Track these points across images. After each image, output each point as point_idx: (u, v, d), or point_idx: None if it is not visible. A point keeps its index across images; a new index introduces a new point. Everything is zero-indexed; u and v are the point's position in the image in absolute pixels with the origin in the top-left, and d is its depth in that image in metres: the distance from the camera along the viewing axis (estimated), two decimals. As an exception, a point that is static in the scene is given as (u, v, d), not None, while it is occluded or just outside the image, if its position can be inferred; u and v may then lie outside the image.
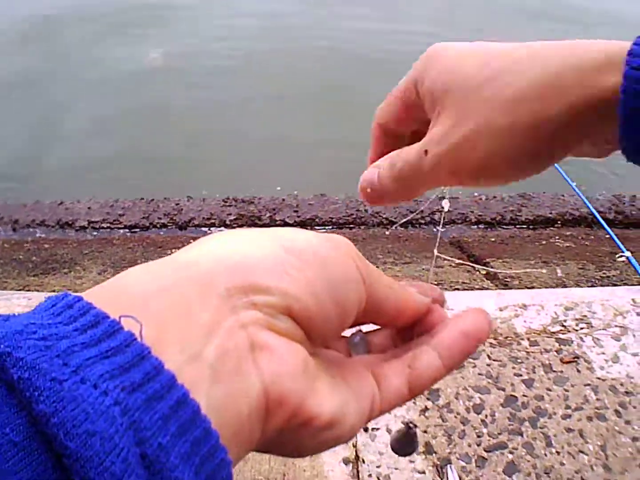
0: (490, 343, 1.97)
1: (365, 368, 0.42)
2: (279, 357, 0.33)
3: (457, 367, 0.44)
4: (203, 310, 0.31)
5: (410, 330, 0.45)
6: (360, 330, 0.47)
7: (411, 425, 0.53)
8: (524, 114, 0.45)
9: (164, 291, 0.31)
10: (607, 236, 2.90)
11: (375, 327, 0.47)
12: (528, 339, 2.00)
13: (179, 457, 0.26)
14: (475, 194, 3.99)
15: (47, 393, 0.24)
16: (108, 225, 3.85)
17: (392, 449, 0.53)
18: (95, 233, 3.82)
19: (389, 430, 1.73)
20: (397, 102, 0.56)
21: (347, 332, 0.45)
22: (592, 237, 3.59)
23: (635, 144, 0.43)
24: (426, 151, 0.51)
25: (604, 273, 3.00)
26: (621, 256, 2.25)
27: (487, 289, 2.67)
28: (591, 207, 2.62)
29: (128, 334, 0.28)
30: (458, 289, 2.63)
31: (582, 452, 1.68)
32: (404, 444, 0.53)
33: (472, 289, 2.63)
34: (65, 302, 0.29)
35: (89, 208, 3.98)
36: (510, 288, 2.71)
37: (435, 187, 0.55)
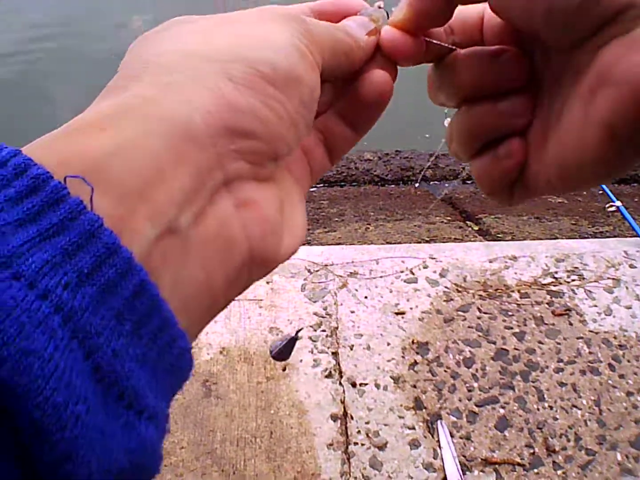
0: (480, 295, 1.93)
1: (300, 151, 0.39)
2: (264, 214, 0.29)
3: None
4: (180, 168, 0.25)
5: None
6: None
7: (298, 336, 0.50)
8: None
9: (129, 149, 0.24)
10: (600, 192, 2.87)
11: None
12: (518, 291, 1.96)
13: (135, 359, 0.22)
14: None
15: None
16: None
17: (271, 353, 0.51)
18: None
19: (377, 386, 1.70)
20: None
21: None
22: (585, 192, 3.55)
23: None
24: None
25: (596, 228, 2.97)
26: (611, 206, 2.22)
27: (478, 244, 2.64)
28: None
29: (76, 201, 0.21)
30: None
31: (575, 406, 1.66)
32: (285, 350, 0.51)
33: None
34: None
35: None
36: (503, 244, 2.68)
37: None
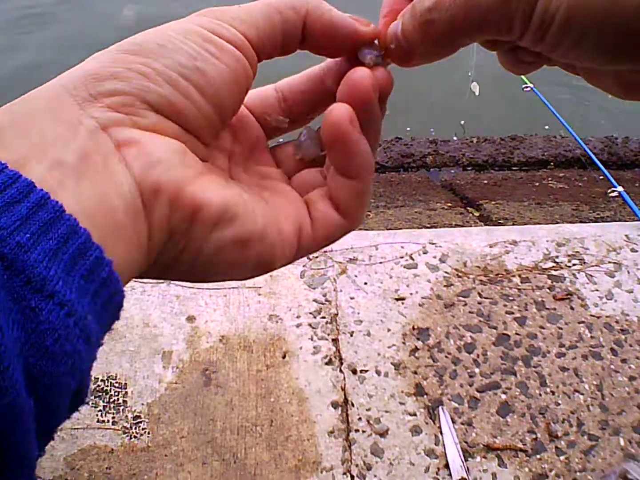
0: (481, 280, 1.92)
1: (298, 194, 0.42)
2: (148, 150, 0.33)
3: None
4: (56, 124, 0.31)
5: None
6: (308, 127, 0.45)
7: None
8: None
9: (16, 123, 0.30)
10: (601, 177, 2.85)
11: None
12: (519, 275, 1.95)
13: (43, 253, 0.26)
14: (467, 137, 3.92)
15: None
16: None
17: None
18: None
19: (378, 372, 1.69)
20: None
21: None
22: (586, 178, 3.54)
23: None
24: None
25: (597, 214, 2.96)
26: (613, 191, 2.21)
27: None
28: (585, 147, 2.57)
29: None
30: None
31: (577, 391, 1.65)
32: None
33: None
34: None
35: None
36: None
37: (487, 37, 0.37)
